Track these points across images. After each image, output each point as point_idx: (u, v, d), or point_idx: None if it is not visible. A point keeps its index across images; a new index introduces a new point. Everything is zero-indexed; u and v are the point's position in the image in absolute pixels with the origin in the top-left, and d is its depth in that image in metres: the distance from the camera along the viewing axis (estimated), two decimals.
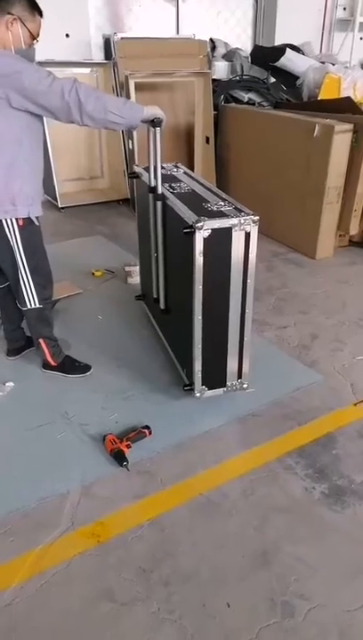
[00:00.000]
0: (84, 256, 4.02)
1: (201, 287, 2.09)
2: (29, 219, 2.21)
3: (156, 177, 2.32)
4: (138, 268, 3.62)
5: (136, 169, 2.78)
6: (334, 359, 2.78)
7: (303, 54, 6.08)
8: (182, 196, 2.31)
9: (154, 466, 2.08)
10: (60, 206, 5.06)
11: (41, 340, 2.53)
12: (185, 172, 2.72)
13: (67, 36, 5.48)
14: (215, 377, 2.32)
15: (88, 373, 2.64)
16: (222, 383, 2.35)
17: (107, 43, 5.48)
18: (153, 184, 2.36)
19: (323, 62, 5.89)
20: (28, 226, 2.22)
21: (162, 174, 2.35)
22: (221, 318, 2.20)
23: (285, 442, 2.21)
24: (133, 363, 2.73)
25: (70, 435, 2.24)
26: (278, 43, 6.53)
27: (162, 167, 2.37)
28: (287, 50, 5.72)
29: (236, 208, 2.14)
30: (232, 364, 2.31)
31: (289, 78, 5.72)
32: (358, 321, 3.17)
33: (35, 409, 2.40)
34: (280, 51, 5.73)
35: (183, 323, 2.29)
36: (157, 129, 2.18)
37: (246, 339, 2.27)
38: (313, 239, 4.07)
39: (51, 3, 3.76)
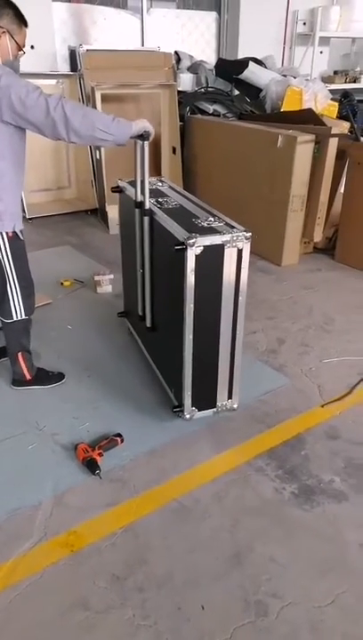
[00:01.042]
0: (53, 266, 4.01)
1: (192, 306, 2.03)
2: (15, 232, 2.22)
3: (143, 192, 2.28)
4: (108, 277, 3.65)
5: (120, 183, 2.72)
6: (301, 362, 2.84)
7: (266, 67, 6.24)
8: (171, 212, 2.23)
9: (126, 473, 2.09)
10: (27, 217, 5.03)
11: (20, 354, 2.51)
12: (170, 187, 2.67)
13: (32, 47, 5.47)
14: (205, 398, 2.27)
15: (63, 381, 2.63)
16: (212, 404, 2.29)
17: (72, 54, 5.50)
18: (140, 199, 2.31)
19: (285, 75, 6.06)
20: (15, 238, 2.23)
21: (142, 189, 2.30)
22: (212, 337, 2.14)
23: (255, 444, 2.25)
24: (103, 372, 2.74)
25: (42, 445, 2.23)
26: (241, 56, 6.68)
27: (140, 181, 2.31)
28: (250, 63, 5.86)
29: (227, 224, 2.09)
30: (223, 385, 2.26)
31: (253, 90, 5.86)
32: (323, 325, 3.25)
33: (4, 420, 2.38)
34: (243, 64, 5.87)
35: (172, 342, 2.23)
36: (145, 142, 2.16)
37: (236, 358, 2.21)
38: (279, 246, 4.16)
39: None
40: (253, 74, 5.80)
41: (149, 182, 2.34)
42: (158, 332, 2.50)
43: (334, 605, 1.60)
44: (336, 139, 3.89)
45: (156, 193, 2.50)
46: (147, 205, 2.30)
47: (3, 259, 2.24)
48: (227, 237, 1.98)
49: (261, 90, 5.79)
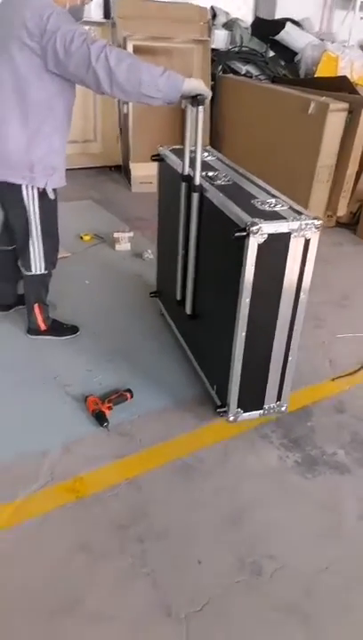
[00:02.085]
0: (74, 220, 3.97)
1: (249, 300, 1.82)
2: (45, 190, 2.16)
3: (193, 165, 2.03)
4: (127, 235, 3.63)
5: (161, 151, 2.47)
6: (314, 336, 2.83)
7: (303, 29, 6.00)
8: (224, 189, 1.97)
9: (134, 428, 2.12)
10: None
11: (36, 305, 2.51)
12: (219, 159, 2.38)
13: None
14: (253, 399, 2.09)
15: (77, 334, 2.65)
16: (260, 405, 2.11)
17: (106, 1, 5.31)
18: (187, 172, 2.09)
19: (322, 40, 5.83)
20: (44, 196, 2.18)
21: (191, 159, 2.06)
22: (266, 336, 1.94)
23: None
24: (118, 328, 2.75)
25: (53, 394, 2.27)
26: (278, 16, 6.42)
27: (191, 153, 2.07)
28: (288, 24, 5.64)
29: (292, 208, 1.84)
30: (273, 386, 2.08)
31: (287, 53, 5.66)
32: (340, 301, 3.23)
33: (19, 368, 2.42)
34: (280, 24, 5.65)
35: (218, 335, 2.06)
36: (199, 108, 1.87)
37: (291, 358, 2.02)
38: None
39: None
40: (289, 35, 5.59)
41: (192, 151, 2.06)
42: (200, 321, 2.30)
43: (328, 571, 1.64)
44: None
45: (203, 165, 2.13)
46: (197, 181, 2.03)
47: (29, 213, 2.20)
48: (295, 225, 1.73)
49: (296, 53, 5.59)
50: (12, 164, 2.10)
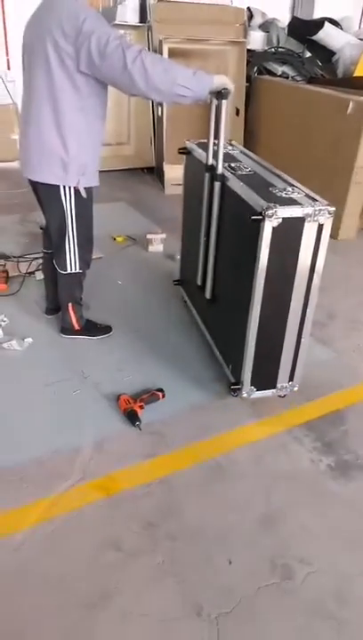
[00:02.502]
0: (107, 221, 4.00)
1: (263, 281, 1.90)
2: (77, 188, 2.20)
3: (216, 155, 2.15)
4: (160, 236, 3.64)
5: (188, 144, 2.62)
6: (349, 339, 2.79)
7: (342, 29, 5.92)
8: (245, 178, 2.08)
9: (165, 428, 2.13)
10: None
11: (70, 305, 2.54)
12: (242, 152, 2.53)
13: None
14: (266, 377, 2.16)
15: (110, 334, 2.68)
16: (273, 384, 2.18)
17: (142, 5, 5.36)
18: (211, 162, 2.22)
19: (361, 39, 5.74)
20: (79, 194, 2.22)
21: (215, 152, 2.19)
22: (279, 316, 2.02)
23: (295, 415, 2.24)
24: (150, 328, 2.77)
25: (85, 392, 2.30)
26: (316, 16, 6.35)
27: (215, 144, 2.20)
28: (326, 24, 5.58)
29: (307, 195, 1.93)
30: (285, 365, 2.15)
31: (325, 53, 5.60)
32: None
33: (52, 366, 2.46)
34: (319, 24, 5.59)
35: (234, 316, 2.14)
36: (224, 101, 1.99)
37: (303, 340, 2.09)
38: (337, 219, 4.00)
39: None
40: (327, 35, 5.52)
41: (216, 144, 2.20)
42: (218, 304, 2.41)
43: (361, 577, 1.61)
44: None
45: (227, 157, 2.33)
46: (219, 170, 2.15)
47: (66, 212, 2.24)
48: (309, 210, 1.82)
49: (334, 53, 5.52)
50: (49, 165, 2.14)
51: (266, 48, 5.57)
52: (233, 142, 2.68)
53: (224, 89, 1.97)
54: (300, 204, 1.85)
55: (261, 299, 1.94)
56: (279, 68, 5.31)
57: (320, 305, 3.06)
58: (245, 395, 2.16)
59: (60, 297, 2.59)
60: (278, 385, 2.19)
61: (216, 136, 2.14)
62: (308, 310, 2.03)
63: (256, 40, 5.63)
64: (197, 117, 5.12)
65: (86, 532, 1.71)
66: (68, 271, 2.43)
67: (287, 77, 5.26)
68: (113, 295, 3.07)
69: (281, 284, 1.95)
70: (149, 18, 4.95)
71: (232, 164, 2.24)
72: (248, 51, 5.09)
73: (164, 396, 2.24)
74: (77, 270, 2.44)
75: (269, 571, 1.62)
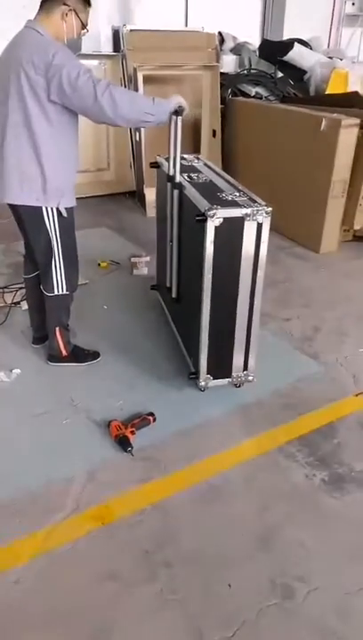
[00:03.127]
0: (90, 247, 4.03)
1: (211, 276, 2.11)
2: (58, 209, 2.26)
3: (174, 166, 2.36)
4: (144, 259, 3.67)
5: (158, 159, 2.84)
6: (337, 351, 2.81)
7: (311, 49, 6.08)
8: (199, 186, 2.32)
9: (158, 452, 2.12)
10: None
11: (57, 329, 2.54)
12: (205, 164, 2.74)
13: (24, 7, 5.35)
14: (221, 367, 2.34)
15: (98, 360, 2.67)
16: (228, 373, 2.36)
17: (115, 34, 5.48)
18: (171, 172, 2.39)
19: (331, 57, 5.90)
20: (60, 215, 2.28)
21: (182, 165, 2.41)
22: (229, 308, 2.22)
23: (287, 430, 2.24)
24: (138, 352, 2.77)
25: (76, 421, 2.28)
26: (286, 37, 6.52)
27: (183, 158, 2.47)
28: (296, 44, 5.73)
29: (250, 199, 2.15)
30: (239, 356, 2.33)
31: (296, 73, 5.73)
32: (361, 314, 3.20)
33: (41, 395, 2.44)
34: (288, 45, 5.74)
35: (193, 311, 2.31)
36: (178, 118, 2.23)
37: (253, 330, 2.28)
38: (318, 233, 4.08)
39: None
40: (298, 55, 5.67)
41: (187, 159, 2.56)
42: (182, 302, 2.60)
43: (362, 592, 1.60)
44: None
45: (189, 169, 2.59)
46: (177, 179, 2.37)
47: (51, 233, 2.29)
48: (247, 211, 2.04)
49: (305, 72, 5.66)
50: (30, 190, 2.20)
51: (239, 70, 5.70)
52: (199, 156, 2.89)
53: (179, 107, 2.19)
54: (240, 205, 2.07)
55: (210, 293, 2.15)
56: (253, 89, 5.43)
57: (306, 318, 3.11)
58: (202, 383, 2.34)
59: (47, 322, 2.58)
60: (234, 374, 2.37)
61: (174, 149, 2.34)
62: (255, 302, 2.22)
63: (229, 63, 5.76)
64: None
65: (83, 563, 1.69)
66: (56, 293, 2.44)
67: (261, 98, 5.37)
68: (99, 320, 3.08)
69: (228, 279, 2.16)
70: (122, 47, 5.05)
71: (192, 174, 2.48)
72: (221, 74, 5.20)
73: (155, 420, 2.23)
74: (65, 292, 2.45)
75: (269, 591, 1.61)
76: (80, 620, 1.53)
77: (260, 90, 5.44)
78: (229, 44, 6.07)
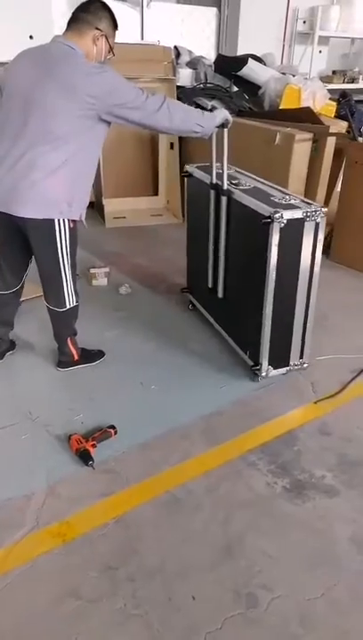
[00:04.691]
0: None
1: (274, 275, 2.28)
2: (75, 222, 2.27)
3: (220, 175, 2.51)
4: (103, 270, 3.65)
5: (188, 168, 3.01)
6: (295, 359, 2.84)
7: (265, 65, 6.23)
8: (249, 192, 2.45)
9: (119, 464, 2.09)
10: None
11: (69, 339, 2.55)
12: (238, 171, 2.86)
13: (30, 37, 5.42)
14: (281, 357, 2.54)
15: (104, 358, 2.73)
16: (286, 363, 2.56)
17: None
18: (215, 181, 2.57)
19: (284, 73, 6.05)
20: (75, 227, 2.28)
21: (217, 173, 2.58)
22: (289, 303, 2.39)
23: (248, 439, 2.26)
24: (99, 364, 2.73)
25: (35, 435, 2.23)
26: (240, 52, 6.67)
27: (204, 166, 2.74)
28: (250, 60, 5.84)
29: (303, 201, 2.31)
30: (296, 345, 2.53)
31: (251, 87, 5.85)
32: (320, 322, 3.25)
33: None
34: (243, 60, 5.85)
35: (247, 309, 2.50)
36: (225, 130, 2.40)
37: (309, 321, 2.47)
38: None
39: (13, 3, 3.72)
40: (252, 71, 5.79)
41: (216, 167, 2.68)
42: (230, 301, 2.76)
43: (324, 598, 1.62)
44: (334, 137, 3.91)
45: (227, 176, 2.66)
46: (225, 186, 2.52)
47: (60, 246, 2.26)
48: (307, 211, 2.21)
49: (259, 87, 5.78)
50: (55, 203, 2.17)
51: (195, 84, 5.78)
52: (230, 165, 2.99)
53: (226, 120, 2.36)
54: (299, 207, 2.24)
55: (273, 290, 2.31)
56: (209, 103, 5.39)
57: None
58: (264, 374, 2.52)
59: (58, 334, 2.58)
60: (291, 362, 2.56)
61: (219, 159, 2.52)
62: (312, 296, 2.41)
63: (185, 77, 5.83)
64: (131, 151, 5.24)
65: (43, 583, 1.64)
66: (68, 307, 2.43)
67: None
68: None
69: (289, 276, 2.33)
70: None
71: (233, 181, 2.61)
72: (178, 87, 5.26)
73: (116, 433, 2.20)
74: (75, 303, 2.46)
75: (233, 601, 1.61)
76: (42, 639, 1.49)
77: (216, 103, 5.47)
78: (184, 58, 6.16)
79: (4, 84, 2.18)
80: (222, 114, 2.35)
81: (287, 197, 2.35)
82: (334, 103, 5.70)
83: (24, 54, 2.18)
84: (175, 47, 5.96)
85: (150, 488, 2.00)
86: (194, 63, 6.06)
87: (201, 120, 2.26)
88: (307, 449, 2.22)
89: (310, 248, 2.30)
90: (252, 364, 2.56)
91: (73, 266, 2.38)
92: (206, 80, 5.77)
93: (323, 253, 4.25)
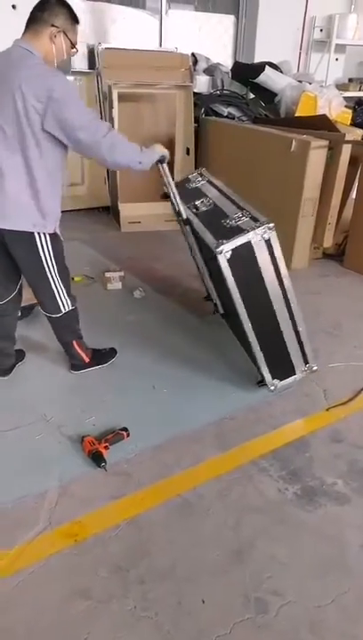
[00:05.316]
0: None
1: (241, 301, 2.24)
2: (55, 232, 2.27)
3: (178, 204, 2.53)
4: (118, 274, 3.69)
5: (166, 189, 2.95)
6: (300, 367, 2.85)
7: (281, 72, 6.25)
8: (204, 216, 2.46)
9: (131, 467, 2.11)
10: None
11: (75, 342, 2.56)
12: (209, 181, 2.85)
13: (13, 7, 5.30)
14: (284, 369, 2.50)
15: (116, 356, 2.76)
16: (292, 372, 2.52)
17: (91, 52, 5.53)
18: (177, 209, 2.55)
19: (300, 81, 6.07)
20: (55, 236, 2.28)
21: (187, 189, 2.69)
22: (270, 320, 2.34)
23: (259, 444, 2.26)
24: (110, 366, 2.76)
25: (48, 436, 2.26)
26: (257, 60, 6.70)
27: (187, 179, 2.80)
28: (267, 67, 5.87)
29: (252, 217, 2.23)
30: (296, 354, 2.48)
31: (267, 95, 5.87)
32: (331, 330, 3.26)
33: (12, 410, 2.41)
34: (260, 68, 5.88)
35: (240, 327, 2.43)
36: (164, 165, 2.38)
37: (300, 328, 2.41)
38: (288, 250, 4.15)
39: None
40: (268, 78, 5.81)
41: (191, 179, 2.87)
42: (230, 318, 2.78)
43: (334, 605, 1.62)
44: (350, 145, 3.90)
45: (195, 194, 2.72)
46: (184, 215, 2.54)
47: (44, 257, 2.26)
48: (251, 235, 2.12)
49: (275, 94, 5.80)
50: (26, 215, 2.17)
51: (211, 91, 5.82)
52: (203, 171, 3.03)
53: (163, 157, 2.33)
54: (244, 230, 2.15)
55: (246, 315, 2.28)
56: (225, 110, 5.54)
57: None
58: (272, 388, 2.49)
59: (61, 340, 2.58)
60: (297, 371, 2.53)
61: (172, 190, 2.51)
62: (292, 307, 2.35)
63: (202, 83, 5.88)
64: None
65: (54, 582, 1.66)
66: (63, 312, 2.43)
67: (233, 118, 5.48)
68: None
69: (259, 297, 2.28)
70: (97, 64, 5.10)
71: (197, 202, 2.60)
72: (195, 94, 5.30)
73: (128, 435, 2.22)
74: (70, 307, 2.45)
75: (242, 606, 1.61)
76: (52, 638, 1.50)
77: (232, 110, 5.56)
78: (202, 65, 6.20)
79: None
80: (159, 150, 2.32)
81: (239, 215, 2.28)
82: (350, 111, 5.72)
83: None
84: (193, 54, 6.01)
85: (162, 491, 2.01)
86: (211, 70, 6.10)
87: (140, 156, 2.21)
88: (318, 456, 2.22)
89: (268, 264, 2.21)
90: (259, 379, 2.55)
91: (62, 271, 2.36)
92: (223, 87, 5.80)
93: (336, 260, 4.34)
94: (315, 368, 2.54)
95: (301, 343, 2.46)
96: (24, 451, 2.18)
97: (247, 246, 2.14)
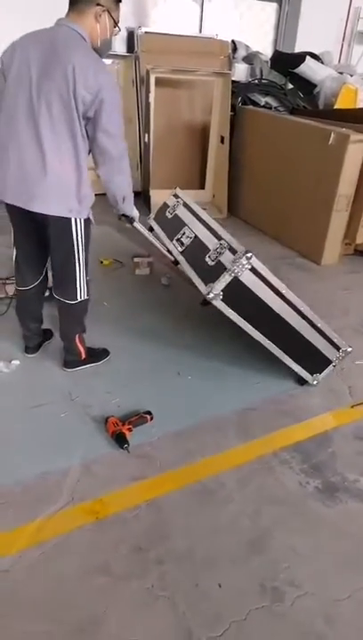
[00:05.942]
0: (93, 245, 4.04)
1: (250, 325, 2.33)
2: (89, 218, 2.27)
3: (171, 254, 2.70)
4: (146, 260, 3.69)
5: (151, 222, 3.10)
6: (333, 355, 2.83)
7: (322, 63, 6.15)
8: (190, 254, 2.55)
9: (153, 450, 2.13)
10: None
11: (77, 336, 2.52)
12: (184, 205, 2.88)
13: None
14: (319, 364, 2.56)
15: (109, 357, 2.70)
16: (328, 362, 2.56)
17: (130, 36, 5.51)
18: (173, 259, 2.68)
19: (341, 73, 5.96)
20: (88, 222, 2.28)
21: (167, 217, 2.85)
22: (284, 331, 2.39)
23: (282, 437, 2.26)
24: (136, 350, 2.78)
25: (73, 415, 2.29)
26: (298, 49, 6.59)
27: (166, 204, 2.91)
28: (308, 57, 5.78)
29: (230, 248, 2.27)
30: (325, 346, 2.51)
31: (306, 85, 5.79)
32: (359, 327, 3.23)
33: (39, 388, 2.45)
34: (300, 58, 5.79)
35: (262, 345, 2.45)
36: (136, 224, 2.55)
37: (318, 324, 2.45)
38: (320, 245, 4.13)
39: None
40: (309, 68, 5.72)
41: (168, 205, 2.97)
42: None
43: (350, 600, 1.62)
44: None
45: (175, 225, 2.80)
46: (173, 258, 2.72)
47: (77, 242, 2.26)
48: (236, 270, 2.19)
49: (315, 85, 5.72)
50: (66, 199, 2.16)
51: (250, 79, 5.75)
52: (178, 193, 3.03)
53: (132, 218, 2.48)
54: (227, 268, 2.20)
55: (261, 335, 2.37)
56: (263, 99, 5.47)
57: None
58: (315, 383, 2.58)
59: (66, 330, 2.53)
60: (332, 359, 2.56)
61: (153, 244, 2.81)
62: (302, 310, 2.39)
63: (240, 72, 5.81)
64: (182, 145, 5.25)
65: (75, 556, 1.70)
66: (79, 299, 2.41)
67: (270, 108, 5.41)
68: (98, 318, 3.07)
69: (265, 314, 2.32)
70: (136, 48, 5.09)
71: (180, 237, 2.69)
72: (233, 82, 5.24)
73: (152, 419, 2.24)
74: (87, 297, 2.45)
75: (258, 594, 1.62)
76: (70, 610, 1.54)
77: (270, 100, 5.49)
78: (241, 53, 6.13)
79: (8, 69, 2.07)
80: (135, 212, 2.45)
81: (218, 249, 2.32)
82: None
83: (29, 39, 2.07)
84: (232, 41, 5.94)
85: (183, 476, 2.03)
86: (250, 58, 6.03)
87: (129, 195, 2.31)
88: (341, 452, 2.21)
89: (262, 287, 2.26)
90: (298, 378, 2.60)
91: (87, 258, 2.36)
92: (262, 76, 5.73)
93: None
94: (350, 350, 2.55)
95: (326, 336, 2.49)
96: (48, 428, 2.21)
97: (235, 280, 2.20)
